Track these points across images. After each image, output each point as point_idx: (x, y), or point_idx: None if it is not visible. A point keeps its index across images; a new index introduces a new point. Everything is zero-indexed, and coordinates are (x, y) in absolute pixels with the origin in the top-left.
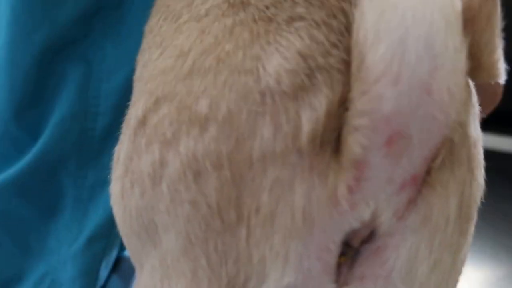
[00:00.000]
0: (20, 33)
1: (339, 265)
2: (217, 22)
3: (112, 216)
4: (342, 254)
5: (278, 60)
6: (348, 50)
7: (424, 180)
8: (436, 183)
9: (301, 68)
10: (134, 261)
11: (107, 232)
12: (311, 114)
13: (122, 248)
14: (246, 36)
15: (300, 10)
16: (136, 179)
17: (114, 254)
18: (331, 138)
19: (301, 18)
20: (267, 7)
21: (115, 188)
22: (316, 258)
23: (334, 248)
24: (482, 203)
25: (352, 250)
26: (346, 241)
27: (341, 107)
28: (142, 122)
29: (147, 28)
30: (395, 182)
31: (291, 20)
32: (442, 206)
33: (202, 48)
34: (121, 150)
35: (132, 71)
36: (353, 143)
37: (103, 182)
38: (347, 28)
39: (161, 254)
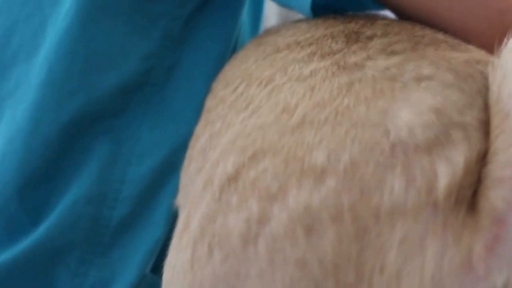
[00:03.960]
0: (52, 97)
1: None
2: (327, 80)
3: None
4: None
5: (409, 115)
6: (482, 110)
7: None
8: None
9: (435, 123)
10: None
11: None
12: (448, 168)
13: None
14: (367, 92)
15: (427, 71)
16: (219, 242)
17: None
18: (467, 195)
19: (429, 77)
20: (387, 68)
21: (178, 259)
22: None
23: None
24: None
25: None
26: None
27: (478, 164)
28: (234, 178)
29: (212, 101)
30: None
31: (417, 79)
32: None
33: (314, 103)
34: (194, 214)
35: (166, 157)
36: (495, 197)
37: (106, 284)
38: (478, 91)
39: None
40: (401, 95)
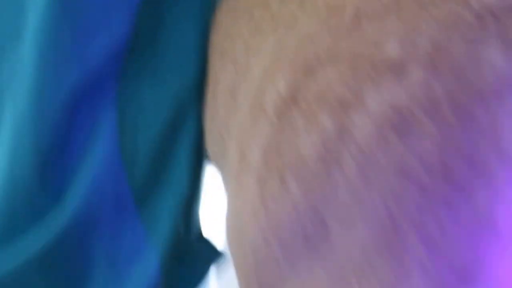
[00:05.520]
0: (49, 74)
1: None
2: None
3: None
4: None
5: None
6: None
7: None
8: None
9: None
10: None
11: None
12: None
13: None
14: None
15: None
16: (293, 172)
17: None
18: None
19: None
20: None
21: (243, 203)
22: None
23: None
24: None
25: None
26: None
27: None
28: (292, 99)
29: (223, 41)
30: None
31: None
32: None
33: None
34: (250, 150)
35: (174, 111)
36: None
37: (142, 250)
38: None
39: (332, 266)
40: None
